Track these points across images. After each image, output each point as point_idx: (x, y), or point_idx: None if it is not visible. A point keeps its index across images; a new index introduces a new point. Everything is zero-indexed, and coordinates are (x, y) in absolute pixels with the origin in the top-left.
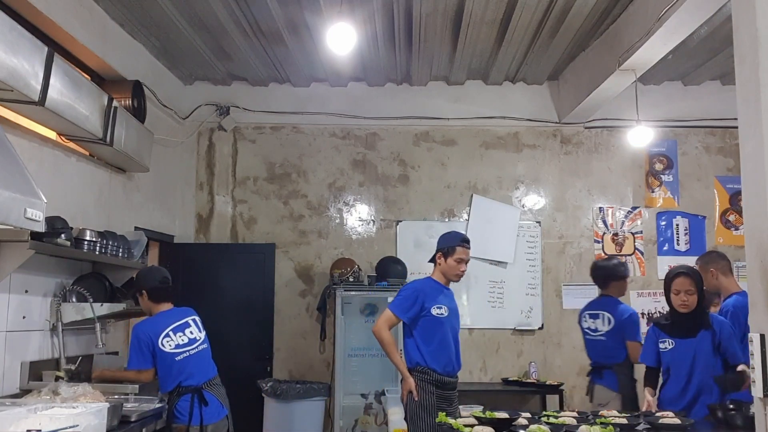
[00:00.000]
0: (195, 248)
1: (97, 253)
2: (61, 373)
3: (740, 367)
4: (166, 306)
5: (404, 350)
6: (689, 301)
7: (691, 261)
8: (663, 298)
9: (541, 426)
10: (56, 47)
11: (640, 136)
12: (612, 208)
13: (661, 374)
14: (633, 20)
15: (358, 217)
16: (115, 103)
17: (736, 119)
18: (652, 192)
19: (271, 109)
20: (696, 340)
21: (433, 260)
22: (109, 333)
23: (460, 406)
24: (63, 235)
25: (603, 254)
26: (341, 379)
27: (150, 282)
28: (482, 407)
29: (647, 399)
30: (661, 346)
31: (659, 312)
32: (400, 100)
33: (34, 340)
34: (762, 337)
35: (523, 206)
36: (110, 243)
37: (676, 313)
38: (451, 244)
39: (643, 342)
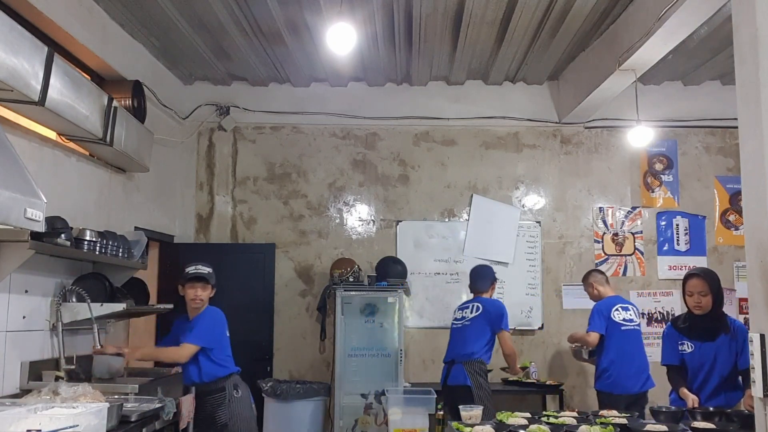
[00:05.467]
0: (195, 248)
1: (97, 253)
2: (61, 373)
3: None
4: None
5: None
6: (703, 302)
7: (691, 261)
8: (663, 299)
9: (541, 426)
10: (56, 47)
11: (640, 136)
12: (612, 208)
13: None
14: (633, 20)
15: (358, 217)
16: (115, 103)
17: (736, 119)
18: (652, 192)
19: (271, 109)
20: (715, 344)
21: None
22: (109, 333)
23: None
24: (63, 235)
25: (603, 254)
26: (341, 379)
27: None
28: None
29: (691, 397)
30: (680, 348)
31: (659, 312)
32: (400, 100)
33: (34, 340)
34: (762, 337)
35: (523, 206)
36: (110, 243)
37: (693, 315)
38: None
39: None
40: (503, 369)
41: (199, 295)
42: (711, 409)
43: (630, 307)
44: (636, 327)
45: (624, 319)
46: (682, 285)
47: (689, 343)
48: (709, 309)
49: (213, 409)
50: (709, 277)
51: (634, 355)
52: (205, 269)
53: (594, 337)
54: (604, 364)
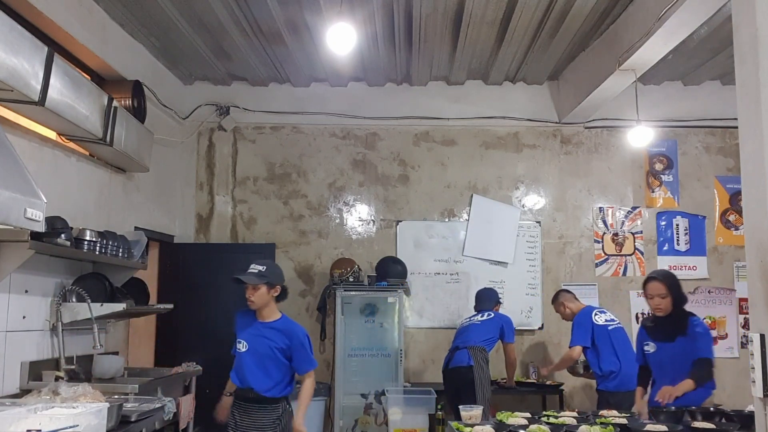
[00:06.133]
0: (195, 248)
1: (97, 253)
2: (61, 373)
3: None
4: None
5: None
6: (662, 304)
7: (691, 261)
8: None
9: (541, 426)
10: (56, 47)
11: (640, 136)
12: (612, 208)
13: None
14: (633, 20)
15: (358, 217)
16: (115, 103)
17: (736, 119)
18: (652, 192)
19: (271, 109)
20: (673, 345)
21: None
22: (109, 333)
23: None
24: (63, 235)
25: (603, 254)
26: (341, 379)
27: (284, 281)
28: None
29: (639, 403)
30: (645, 348)
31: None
32: (400, 100)
33: (34, 340)
34: (762, 337)
35: (523, 206)
36: (110, 243)
37: (656, 316)
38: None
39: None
40: (495, 381)
41: (249, 296)
42: (711, 409)
43: (605, 310)
44: (620, 325)
45: (607, 320)
46: (642, 288)
47: (652, 344)
48: (670, 310)
49: (263, 418)
50: (667, 280)
51: (629, 351)
52: (255, 269)
53: (577, 351)
54: (608, 366)
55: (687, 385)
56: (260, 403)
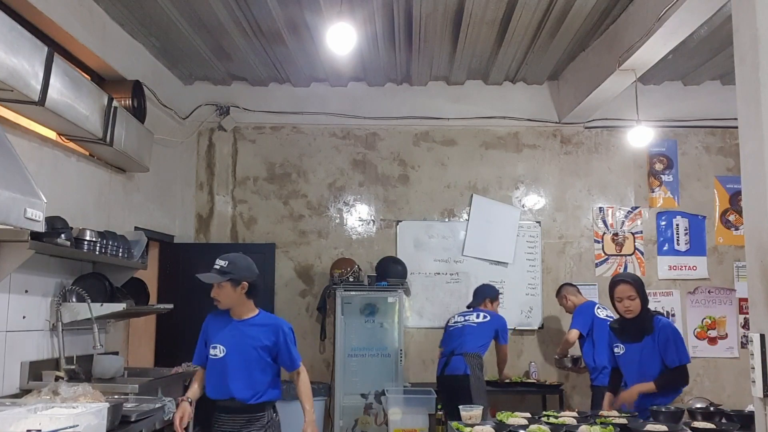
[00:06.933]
0: (195, 248)
1: (97, 253)
2: (61, 373)
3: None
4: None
5: None
6: (632, 306)
7: (691, 261)
8: (663, 298)
9: (541, 426)
10: (56, 47)
11: (640, 136)
12: (612, 208)
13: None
14: (633, 20)
15: (358, 217)
16: (115, 103)
17: (736, 119)
18: (652, 192)
19: (271, 109)
20: (641, 345)
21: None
22: (109, 333)
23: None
24: (63, 235)
25: (603, 254)
26: (341, 379)
27: (254, 275)
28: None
29: (604, 407)
30: (615, 350)
31: (659, 312)
32: (400, 100)
33: (34, 340)
34: (762, 337)
35: (523, 206)
36: (110, 243)
37: (623, 318)
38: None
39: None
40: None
41: (214, 296)
42: (711, 409)
43: (607, 307)
44: None
45: (608, 315)
46: (609, 292)
47: (621, 345)
48: (639, 312)
49: (248, 429)
50: (635, 282)
51: None
52: (218, 264)
53: (573, 335)
54: (602, 361)
55: (644, 387)
56: (244, 413)
